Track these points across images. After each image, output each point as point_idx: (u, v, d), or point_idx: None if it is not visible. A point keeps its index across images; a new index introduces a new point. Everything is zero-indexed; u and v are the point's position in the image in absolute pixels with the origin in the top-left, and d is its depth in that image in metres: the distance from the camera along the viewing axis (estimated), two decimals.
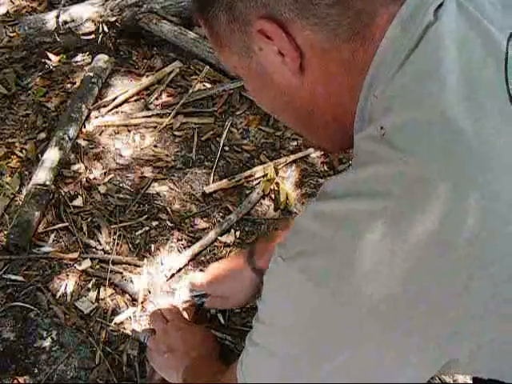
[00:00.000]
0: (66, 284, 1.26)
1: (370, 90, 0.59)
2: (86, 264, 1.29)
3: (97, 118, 1.64)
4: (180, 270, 1.29)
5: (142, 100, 1.70)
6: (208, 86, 1.73)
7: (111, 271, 1.28)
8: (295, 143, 1.58)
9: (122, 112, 1.66)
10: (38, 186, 1.40)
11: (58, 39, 1.84)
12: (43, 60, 1.82)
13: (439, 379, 1.12)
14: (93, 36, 1.85)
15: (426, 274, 0.52)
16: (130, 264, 1.30)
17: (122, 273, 1.28)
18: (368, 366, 0.57)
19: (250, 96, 1.68)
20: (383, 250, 0.52)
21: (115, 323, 1.20)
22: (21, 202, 1.39)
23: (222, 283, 1.11)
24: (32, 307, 1.22)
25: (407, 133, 0.54)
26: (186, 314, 1.15)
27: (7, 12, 2.06)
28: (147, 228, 1.37)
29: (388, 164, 0.53)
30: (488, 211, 0.51)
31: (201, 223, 1.39)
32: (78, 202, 1.42)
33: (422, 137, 0.53)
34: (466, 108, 0.53)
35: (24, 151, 1.55)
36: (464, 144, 0.52)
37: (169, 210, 1.41)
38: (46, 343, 1.17)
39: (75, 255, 1.30)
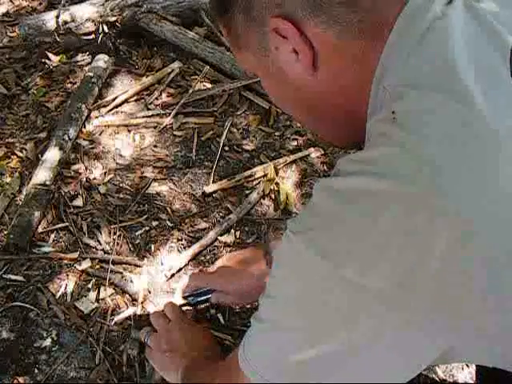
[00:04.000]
0: (66, 284, 1.26)
1: (381, 81, 0.61)
2: (86, 264, 1.29)
3: (97, 117, 1.64)
4: (180, 270, 1.29)
5: (142, 100, 1.70)
6: (208, 85, 1.74)
7: (111, 271, 1.28)
8: (295, 143, 1.58)
9: (122, 112, 1.66)
10: (38, 186, 1.40)
11: (58, 39, 1.84)
12: (43, 60, 1.82)
13: (439, 379, 1.12)
14: (93, 36, 1.85)
15: (435, 262, 0.52)
16: (130, 264, 1.30)
17: (122, 273, 1.28)
18: (367, 345, 0.58)
19: (251, 96, 1.68)
20: (393, 233, 0.53)
21: (115, 323, 1.20)
22: (21, 202, 1.39)
23: (237, 279, 1.10)
24: (32, 307, 1.22)
25: (418, 116, 0.55)
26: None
27: (7, 12, 2.06)
28: (147, 228, 1.37)
29: (398, 146, 0.55)
30: (486, 196, 0.52)
31: (201, 223, 1.39)
32: (78, 202, 1.42)
33: (433, 121, 0.54)
34: (477, 94, 0.54)
35: (24, 151, 1.55)
36: (474, 130, 0.53)
37: (169, 210, 1.41)
38: (46, 343, 1.17)
39: (75, 255, 1.30)
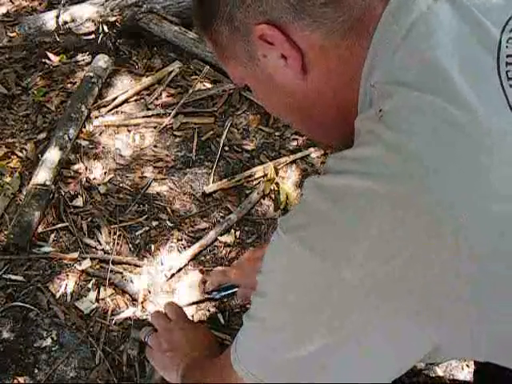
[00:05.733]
0: (66, 284, 1.26)
1: (368, 79, 0.61)
2: (86, 264, 1.29)
3: (97, 118, 1.64)
4: (180, 269, 1.29)
5: (142, 100, 1.70)
6: (208, 85, 1.74)
7: (111, 271, 1.28)
8: (295, 143, 1.58)
9: (122, 112, 1.67)
10: (38, 186, 1.40)
11: (58, 39, 1.84)
12: (43, 60, 1.82)
13: (439, 379, 1.12)
14: (93, 36, 1.85)
15: (423, 258, 0.53)
16: (130, 264, 1.30)
17: (122, 273, 1.28)
18: (357, 342, 0.58)
19: (251, 96, 1.68)
20: (380, 232, 0.53)
21: (115, 323, 1.20)
22: (21, 202, 1.39)
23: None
24: (32, 307, 1.22)
25: (404, 115, 0.55)
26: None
27: (7, 12, 2.06)
28: (147, 228, 1.37)
29: (385, 144, 0.55)
30: (474, 194, 0.52)
31: (201, 223, 1.39)
32: (78, 202, 1.42)
33: (420, 119, 0.54)
34: (467, 92, 0.54)
35: (24, 151, 1.55)
36: (463, 129, 0.53)
37: (169, 209, 1.41)
38: (46, 343, 1.17)
39: (75, 255, 1.30)
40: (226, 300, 1.21)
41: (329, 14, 0.59)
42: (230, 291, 1.16)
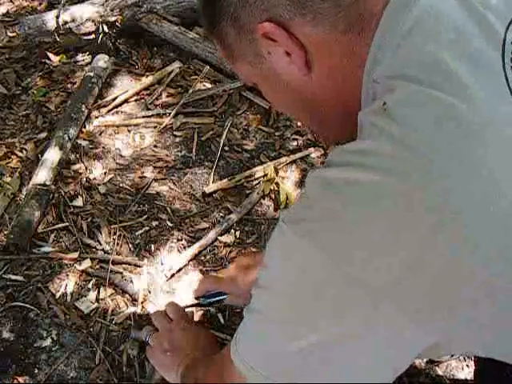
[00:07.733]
0: (66, 284, 1.26)
1: (371, 74, 0.61)
2: (86, 264, 1.29)
3: (97, 118, 1.64)
4: (180, 269, 1.29)
5: (142, 100, 1.70)
6: (208, 85, 1.74)
7: (111, 271, 1.28)
8: (295, 143, 1.58)
9: (122, 112, 1.67)
10: (38, 186, 1.40)
11: (58, 39, 1.84)
12: (43, 60, 1.83)
13: (439, 379, 1.12)
14: (93, 36, 1.85)
15: (424, 258, 0.53)
16: (130, 264, 1.30)
17: (121, 273, 1.28)
18: (356, 337, 0.59)
19: (251, 96, 1.68)
20: (382, 227, 0.54)
21: (115, 323, 1.20)
22: (21, 202, 1.39)
23: (244, 283, 1.09)
24: (32, 307, 1.22)
25: (408, 108, 0.56)
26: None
27: (7, 12, 2.06)
28: (147, 228, 1.37)
29: (388, 137, 0.55)
30: (475, 189, 0.53)
31: (201, 223, 1.38)
32: (78, 202, 1.42)
33: (423, 113, 0.55)
34: (471, 85, 0.55)
35: (24, 151, 1.55)
36: (466, 122, 0.54)
37: (169, 210, 1.41)
38: (46, 343, 1.17)
39: (75, 255, 1.30)
40: (213, 306, 1.20)
41: (328, 9, 0.59)
42: (217, 298, 1.15)
